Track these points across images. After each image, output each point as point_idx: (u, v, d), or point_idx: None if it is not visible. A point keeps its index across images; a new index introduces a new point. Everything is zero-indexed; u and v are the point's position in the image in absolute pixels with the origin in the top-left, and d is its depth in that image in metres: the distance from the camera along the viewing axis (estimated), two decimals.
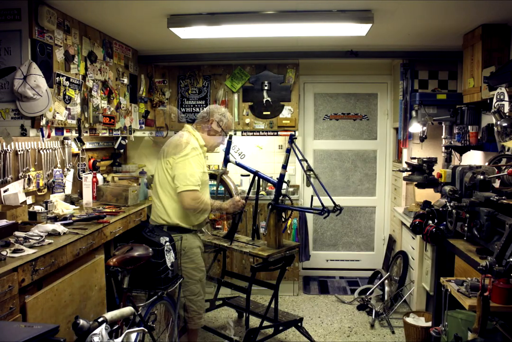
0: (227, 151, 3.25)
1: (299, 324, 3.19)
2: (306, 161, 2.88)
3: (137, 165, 4.59)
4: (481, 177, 2.21)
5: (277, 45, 3.90)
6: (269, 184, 4.14)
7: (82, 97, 3.07)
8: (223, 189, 3.26)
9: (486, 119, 3.23)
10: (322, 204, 2.71)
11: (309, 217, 4.62)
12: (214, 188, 3.43)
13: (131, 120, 3.97)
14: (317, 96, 4.66)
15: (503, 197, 2.03)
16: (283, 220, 2.97)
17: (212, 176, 3.23)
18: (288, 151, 2.92)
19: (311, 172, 2.86)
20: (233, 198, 2.90)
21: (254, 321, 3.44)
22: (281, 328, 3.13)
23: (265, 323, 3.08)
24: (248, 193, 3.31)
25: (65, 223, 2.79)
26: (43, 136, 2.65)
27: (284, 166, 2.94)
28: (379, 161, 4.68)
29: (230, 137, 3.26)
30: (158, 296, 2.46)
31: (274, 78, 4.24)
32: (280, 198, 2.96)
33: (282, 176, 2.96)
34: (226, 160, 3.24)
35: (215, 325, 3.49)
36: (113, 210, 3.39)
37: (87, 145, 3.92)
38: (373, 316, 3.58)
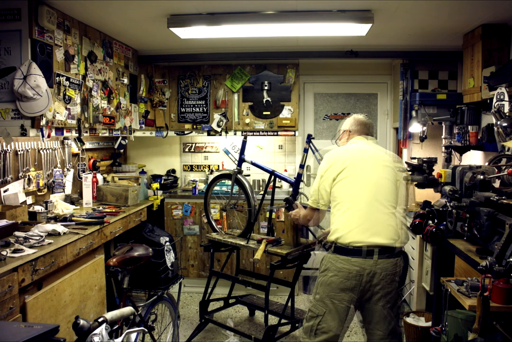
0: (241, 151, 3.30)
1: None
2: None
3: (137, 165, 4.59)
4: (481, 177, 2.21)
5: (277, 45, 3.90)
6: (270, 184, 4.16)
7: (82, 97, 3.07)
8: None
9: (486, 119, 3.23)
10: None
11: None
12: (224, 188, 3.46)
13: (131, 120, 3.97)
14: (317, 96, 4.66)
15: (503, 197, 2.03)
16: None
17: (227, 176, 3.28)
18: (305, 151, 3.05)
19: None
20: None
21: (260, 319, 3.46)
22: (297, 325, 3.17)
23: (271, 319, 3.10)
24: (265, 192, 3.33)
25: (65, 224, 2.80)
26: (43, 136, 2.65)
27: (302, 166, 3.02)
28: None
29: (245, 137, 3.32)
30: (158, 296, 2.46)
31: (274, 78, 4.24)
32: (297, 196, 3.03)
33: (299, 175, 3.06)
34: (241, 160, 3.30)
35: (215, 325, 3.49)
36: (113, 210, 3.39)
37: (87, 145, 3.92)
38: None
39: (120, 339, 1.40)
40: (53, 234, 2.56)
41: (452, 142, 3.54)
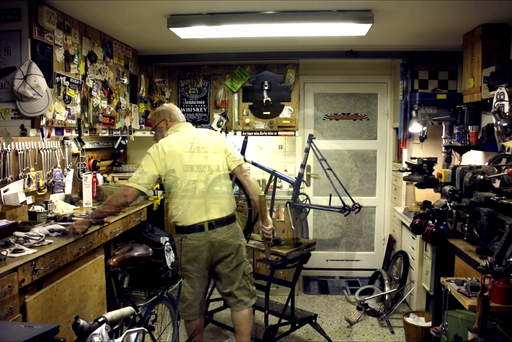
0: (242, 151, 3.31)
1: (314, 320, 3.21)
2: (325, 160, 2.94)
3: (137, 166, 4.58)
4: (481, 177, 2.21)
5: (277, 45, 3.90)
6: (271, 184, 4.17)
7: (82, 97, 3.07)
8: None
9: (486, 119, 3.23)
10: (343, 202, 2.80)
11: (309, 216, 4.62)
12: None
13: (131, 120, 3.98)
14: (317, 96, 4.66)
15: (503, 197, 2.03)
16: (301, 218, 3.03)
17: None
18: (307, 151, 3.03)
19: (331, 171, 2.92)
20: None
21: (260, 319, 3.46)
22: (297, 325, 3.17)
23: (271, 319, 3.10)
24: (266, 192, 3.33)
25: (65, 224, 2.79)
26: (43, 136, 2.65)
27: (303, 166, 3.01)
28: (379, 161, 4.68)
29: (246, 137, 3.33)
30: (158, 296, 2.46)
31: (274, 78, 4.24)
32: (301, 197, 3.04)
33: (300, 175, 3.04)
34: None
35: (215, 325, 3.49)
36: (113, 210, 3.38)
37: (87, 145, 3.91)
38: (367, 315, 3.60)
39: (120, 339, 1.40)
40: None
41: (452, 142, 3.54)
